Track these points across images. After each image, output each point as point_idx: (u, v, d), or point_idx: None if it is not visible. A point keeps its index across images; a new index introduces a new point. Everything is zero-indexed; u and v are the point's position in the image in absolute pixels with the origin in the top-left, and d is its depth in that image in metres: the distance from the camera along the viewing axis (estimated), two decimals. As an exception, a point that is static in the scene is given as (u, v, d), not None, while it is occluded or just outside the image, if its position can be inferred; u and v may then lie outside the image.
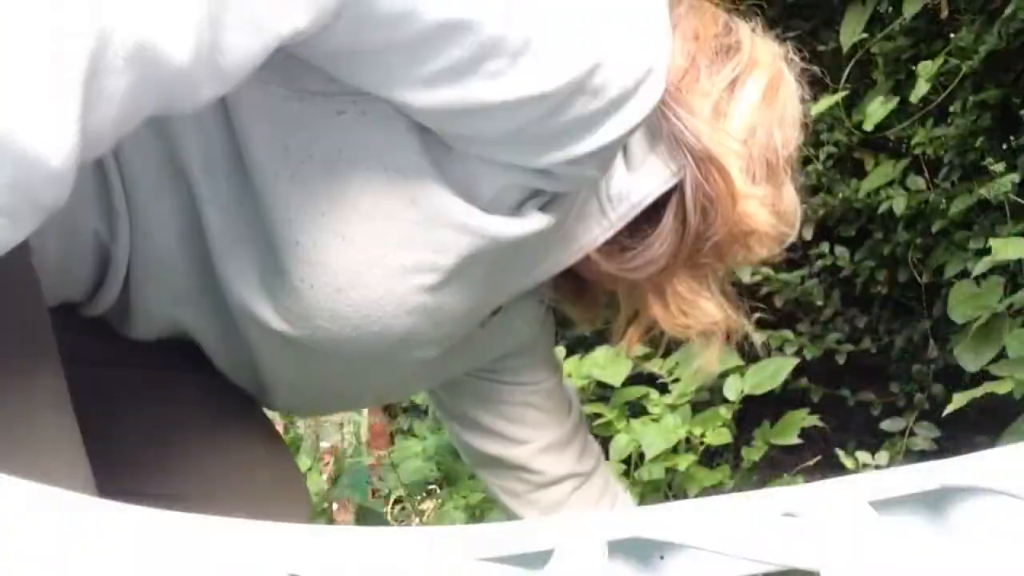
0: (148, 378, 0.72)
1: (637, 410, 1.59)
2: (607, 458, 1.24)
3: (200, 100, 0.42)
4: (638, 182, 0.65)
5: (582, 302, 0.81)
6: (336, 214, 0.55)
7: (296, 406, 0.82)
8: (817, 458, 1.65)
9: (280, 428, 1.77)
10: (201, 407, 0.75)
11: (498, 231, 0.57)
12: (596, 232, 0.67)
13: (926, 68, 1.62)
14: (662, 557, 0.47)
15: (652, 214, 0.67)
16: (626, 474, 1.50)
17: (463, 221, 0.56)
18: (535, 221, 0.59)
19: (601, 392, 1.66)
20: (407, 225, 0.56)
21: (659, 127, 0.64)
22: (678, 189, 0.65)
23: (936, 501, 0.46)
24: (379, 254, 0.56)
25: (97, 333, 0.69)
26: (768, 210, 0.68)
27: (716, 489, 1.50)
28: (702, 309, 0.71)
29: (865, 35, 1.75)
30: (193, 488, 0.72)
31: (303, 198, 0.54)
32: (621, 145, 0.59)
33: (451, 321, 0.63)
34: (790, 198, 0.72)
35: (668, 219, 0.66)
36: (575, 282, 0.76)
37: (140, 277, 0.62)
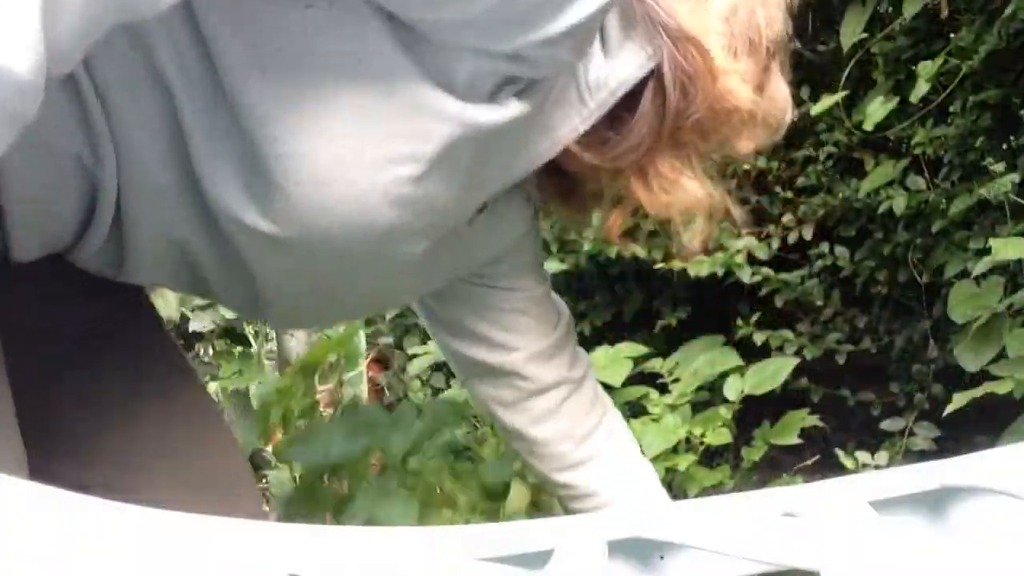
0: (91, 351, 0.72)
1: (637, 410, 1.59)
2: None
3: (162, 3, 0.43)
4: (616, 68, 0.65)
5: (570, 203, 0.81)
6: (313, 109, 0.55)
7: (293, 317, 0.81)
8: (816, 457, 1.65)
9: (279, 429, 1.77)
10: (149, 379, 0.76)
11: (476, 119, 0.58)
12: (576, 121, 0.68)
13: (926, 68, 1.62)
14: (662, 557, 0.47)
15: (630, 101, 0.67)
16: (626, 474, 1.50)
17: (441, 109, 0.56)
18: (512, 108, 0.60)
19: (601, 392, 1.66)
20: (386, 116, 0.56)
21: (634, 11, 0.64)
22: (655, 73, 0.66)
23: (936, 501, 0.46)
24: (360, 147, 0.56)
25: (59, 300, 0.69)
26: (750, 87, 0.68)
27: (716, 489, 1.50)
28: (684, 188, 0.71)
29: (865, 35, 1.75)
30: (135, 460, 0.72)
31: (278, 95, 0.54)
32: (594, 25, 0.59)
33: (436, 212, 0.64)
34: (778, 84, 0.72)
35: (647, 104, 0.67)
36: (560, 179, 0.77)
37: (128, 196, 0.62)
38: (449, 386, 2.21)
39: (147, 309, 0.80)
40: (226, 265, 0.67)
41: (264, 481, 1.58)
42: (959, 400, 1.31)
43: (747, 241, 1.94)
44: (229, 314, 1.68)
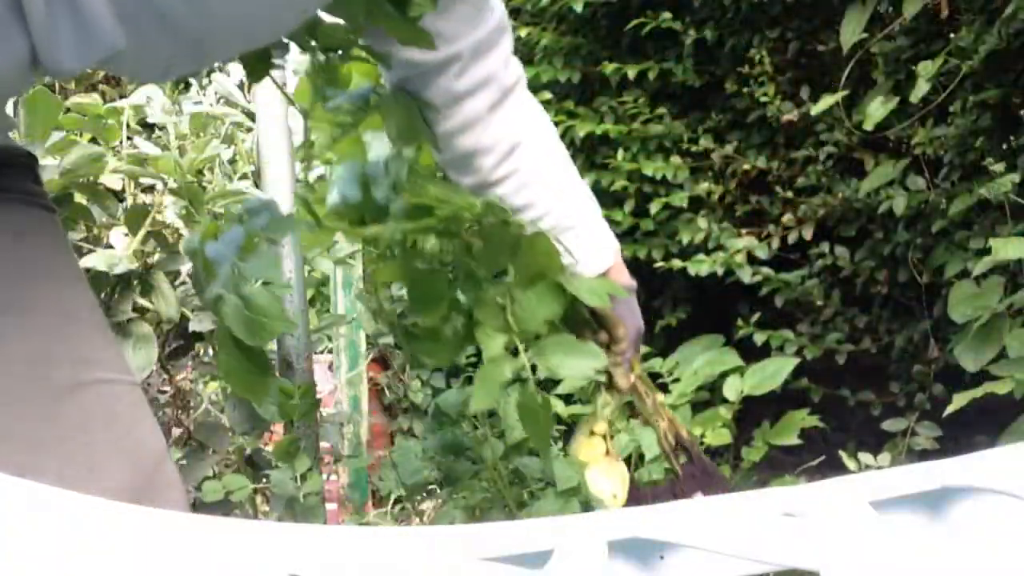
0: None
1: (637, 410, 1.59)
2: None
3: None
4: None
5: None
6: None
7: (245, 20, 0.69)
8: (820, 459, 1.65)
9: (280, 429, 1.77)
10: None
11: None
12: None
13: (926, 68, 1.62)
14: (662, 557, 0.47)
15: None
16: (626, 474, 1.50)
17: None
18: None
19: (601, 392, 1.66)
20: None
21: None
22: None
23: (936, 501, 0.46)
24: None
25: None
26: None
27: (716, 489, 1.49)
28: None
29: (865, 35, 1.75)
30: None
31: None
32: None
33: None
34: None
35: None
36: None
37: None
38: (449, 386, 2.21)
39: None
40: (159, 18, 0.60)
41: (264, 481, 1.58)
42: (959, 400, 1.31)
43: (747, 241, 1.94)
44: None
